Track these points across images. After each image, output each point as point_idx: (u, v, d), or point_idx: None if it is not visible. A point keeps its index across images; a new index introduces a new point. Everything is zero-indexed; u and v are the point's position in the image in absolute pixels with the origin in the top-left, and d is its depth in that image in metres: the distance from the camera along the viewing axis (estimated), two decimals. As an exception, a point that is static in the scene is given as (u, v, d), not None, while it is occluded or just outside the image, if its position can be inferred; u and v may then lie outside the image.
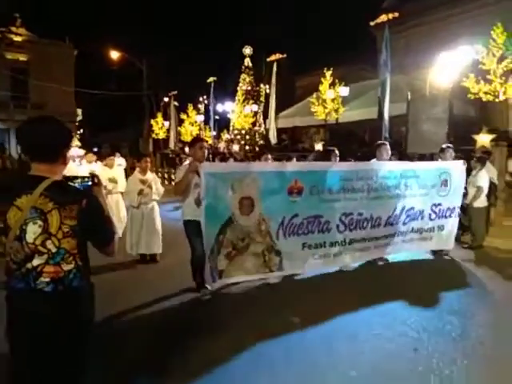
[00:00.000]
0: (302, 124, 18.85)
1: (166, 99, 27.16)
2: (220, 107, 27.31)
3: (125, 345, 3.67)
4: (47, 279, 1.88)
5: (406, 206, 5.59)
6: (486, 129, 10.04)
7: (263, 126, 24.83)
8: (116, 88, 32.89)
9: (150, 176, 6.39)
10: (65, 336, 1.93)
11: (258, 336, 3.75)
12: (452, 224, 6.12)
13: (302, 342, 3.71)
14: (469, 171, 6.47)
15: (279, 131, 18.52)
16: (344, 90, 15.32)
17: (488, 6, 13.84)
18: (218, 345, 3.62)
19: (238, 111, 26.81)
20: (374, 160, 6.09)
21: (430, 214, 5.87)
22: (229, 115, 28.36)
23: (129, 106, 32.29)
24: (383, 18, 12.59)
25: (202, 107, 27.94)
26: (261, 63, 25.03)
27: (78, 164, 8.79)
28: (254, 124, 26.82)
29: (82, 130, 37.67)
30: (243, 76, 28.30)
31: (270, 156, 7.11)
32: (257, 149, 23.30)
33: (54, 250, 1.89)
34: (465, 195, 6.54)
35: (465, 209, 6.77)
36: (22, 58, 29.29)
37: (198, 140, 4.96)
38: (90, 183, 2.06)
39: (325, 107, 15.95)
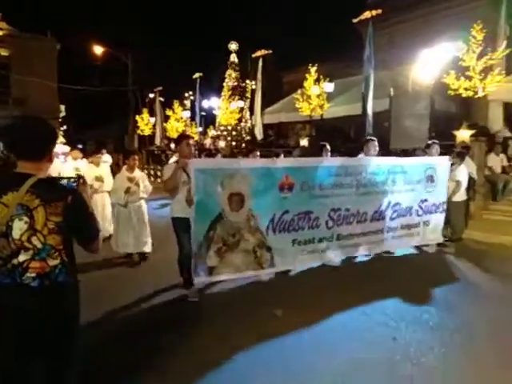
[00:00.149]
0: (288, 120, 18.91)
1: (151, 95, 26.91)
2: (206, 103, 27.20)
3: (111, 343, 3.67)
4: (33, 274, 1.92)
5: (392, 201, 5.61)
6: (465, 124, 10.24)
7: (249, 122, 24.86)
8: (100, 83, 32.45)
9: (138, 174, 6.33)
10: (51, 330, 1.98)
11: (244, 333, 3.80)
12: (437, 219, 6.18)
13: (285, 333, 3.79)
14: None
15: (265, 127, 18.55)
16: (329, 86, 15.40)
17: (469, 3, 14.06)
18: (204, 342, 3.63)
19: (223, 107, 26.71)
20: (361, 155, 6.20)
21: (417, 210, 5.92)
22: (215, 111, 28.28)
23: (114, 102, 31.86)
24: (367, 14, 12.69)
25: (187, 103, 27.76)
26: (246, 59, 24.99)
27: (63, 161, 8.68)
28: (240, 120, 26.79)
29: (65, 127, 37.06)
30: (229, 71, 28.23)
31: (258, 153, 7.11)
32: (243, 145, 23.32)
33: (39, 245, 1.93)
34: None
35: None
36: (4, 52, 28.63)
37: (184, 137, 4.95)
38: (75, 184, 2.08)
39: (310, 103, 16.05)
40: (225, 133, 26.70)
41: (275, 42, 24.18)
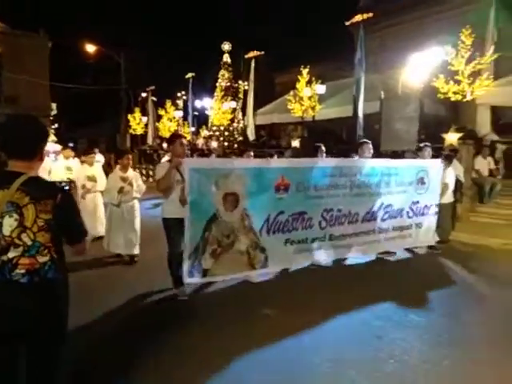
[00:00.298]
0: (280, 121, 19.02)
1: (143, 94, 26.87)
2: (199, 103, 27.22)
3: (100, 342, 3.67)
4: (22, 271, 1.95)
5: (384, 202, 5.64)
6: (454, 127, 10.40)
7: (242, 122, 24.91)
8: (92, 82, 32.31)
9: (131, 173, 6.27)
10: (41, 326, 2.01)
11: (235, 333, 3.82)
12: (430, 221, 6.22)
13: (277, 333, 3.83)
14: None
15: (258, 128, 18.63)
16: (320, 88, 15.53)
17: (458, 8, 14.27)
18: (194, 342, 3.63)
19: (216, 107, 26.76)
20: (356, 157, 6.25)
21: (408, 212, 5.95)
22: (207, 111, 28.29)
23: (106, 101, 31.73)
24: (358, 17, 12.85)
25: (180, 103, 27.73)
26: (239, 60, 25.06)
27: (53, 159, 8.63)
28: (232, 120, 26.86)
29: (56, 125, 36.81)
30: (222, 72, 28.29)
31: (252, 153, 7.04)
32: (235, 145, 23.36)
33: (29, 242, 1.96)
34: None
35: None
36: (-5, 49, 28.38)
37: (177, 136, 4.95)
38: (66, 188, 2.13)
39: (302, 104, 16.15)
40: (217, 133, 26.74)
41: (268, 43, 24.30)
